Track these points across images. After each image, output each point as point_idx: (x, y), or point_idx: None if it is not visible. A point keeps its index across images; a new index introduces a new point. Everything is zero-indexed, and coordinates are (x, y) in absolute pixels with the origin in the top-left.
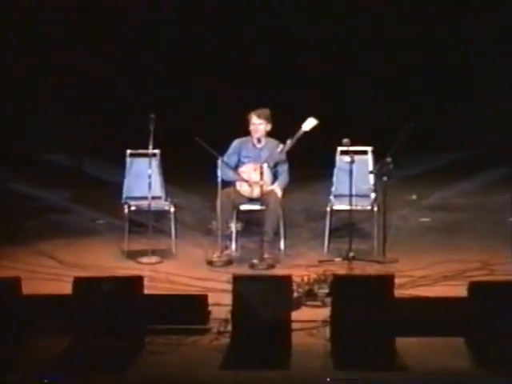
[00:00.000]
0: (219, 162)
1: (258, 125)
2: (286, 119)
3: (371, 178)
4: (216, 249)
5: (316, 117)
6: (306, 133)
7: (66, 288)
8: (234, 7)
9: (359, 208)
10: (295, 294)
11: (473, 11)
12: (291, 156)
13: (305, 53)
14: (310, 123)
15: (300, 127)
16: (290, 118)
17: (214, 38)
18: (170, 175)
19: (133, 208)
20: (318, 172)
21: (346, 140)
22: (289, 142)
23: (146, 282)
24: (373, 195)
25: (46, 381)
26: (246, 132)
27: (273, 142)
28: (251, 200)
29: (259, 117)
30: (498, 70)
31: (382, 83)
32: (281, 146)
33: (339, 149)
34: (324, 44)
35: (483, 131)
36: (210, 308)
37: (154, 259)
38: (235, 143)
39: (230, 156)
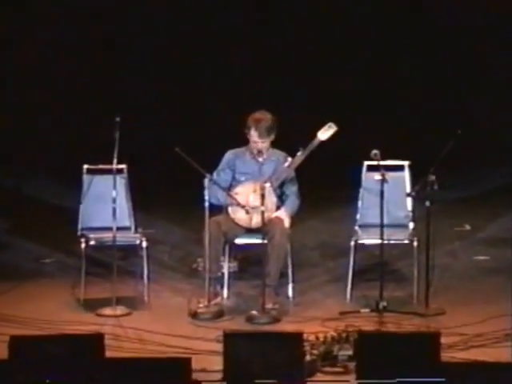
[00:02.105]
0: (206, 180)
1: (260, 143)
2: (296, 125)
3: (409, 202)
4: (202, 296)
5: (336, 122)
6: (322, 142)
7: (0, 350)
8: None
9: (393, 242)
10: (308, 357)
11: None
12: (303, 173)
13: (317, 46)
14: (327, 130)
15: (315, 135)
16: (302, 124)
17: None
18: (142, 198)
19: (92, 242)
20: (337, 194)
21: (375, 152)
22: (300, 154)
23: (108, 341)
24: (411, 225)
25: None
26: (244, 140)
27: (278, 154)
28: (249, 231)
29: (260, 135)
30: None
31: (422, 80)
32: (289, 159)
33: (366, 163)
34: (339, 38)
35: None
36: (194, 375)
37: (119, 310)
38: (228, 155)
39: (221, 172)
